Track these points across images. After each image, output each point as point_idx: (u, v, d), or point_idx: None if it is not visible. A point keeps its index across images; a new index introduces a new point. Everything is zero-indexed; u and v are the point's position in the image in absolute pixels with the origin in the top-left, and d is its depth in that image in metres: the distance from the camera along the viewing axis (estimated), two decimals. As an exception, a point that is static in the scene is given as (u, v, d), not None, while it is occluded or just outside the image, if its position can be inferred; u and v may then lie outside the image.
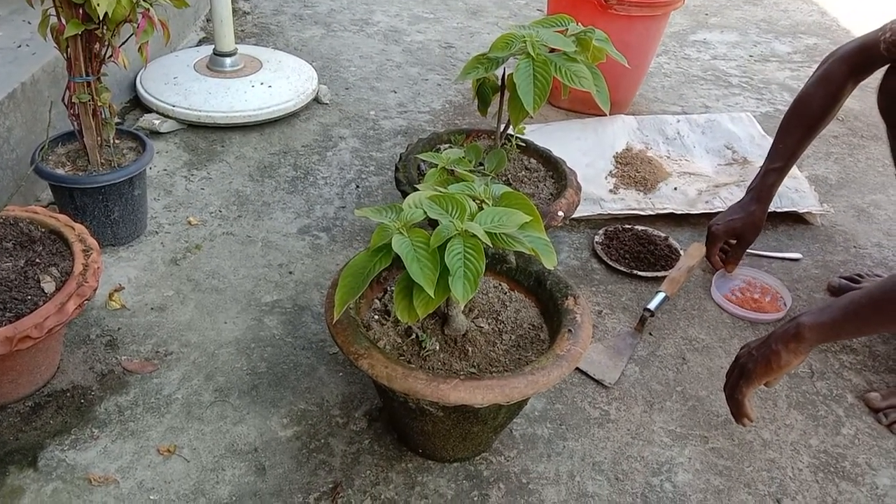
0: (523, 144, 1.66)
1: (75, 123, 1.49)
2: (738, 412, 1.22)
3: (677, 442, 1.29)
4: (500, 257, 1.25)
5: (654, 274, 1.65)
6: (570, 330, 1.11)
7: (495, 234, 0.97)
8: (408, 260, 0.94)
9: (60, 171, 1.49)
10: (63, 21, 1.35)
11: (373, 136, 2.14)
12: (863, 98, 2.49)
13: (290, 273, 1.59)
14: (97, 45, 1.42)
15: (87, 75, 1.42)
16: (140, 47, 1.41)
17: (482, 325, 1.16)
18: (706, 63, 2.82)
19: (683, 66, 2.78)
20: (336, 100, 2.31)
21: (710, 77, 2.71)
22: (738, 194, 1.74)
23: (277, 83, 2.14)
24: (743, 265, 1.70)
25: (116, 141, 1.58)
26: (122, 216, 1.56)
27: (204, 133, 2.05)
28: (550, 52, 1.30)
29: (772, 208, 1.66)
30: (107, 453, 1.18)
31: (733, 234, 1.63)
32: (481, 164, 1.46)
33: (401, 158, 1.61)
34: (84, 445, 1.19)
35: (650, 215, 1.84)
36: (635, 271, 1.65)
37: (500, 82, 1.46)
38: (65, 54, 1.41)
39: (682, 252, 1.71)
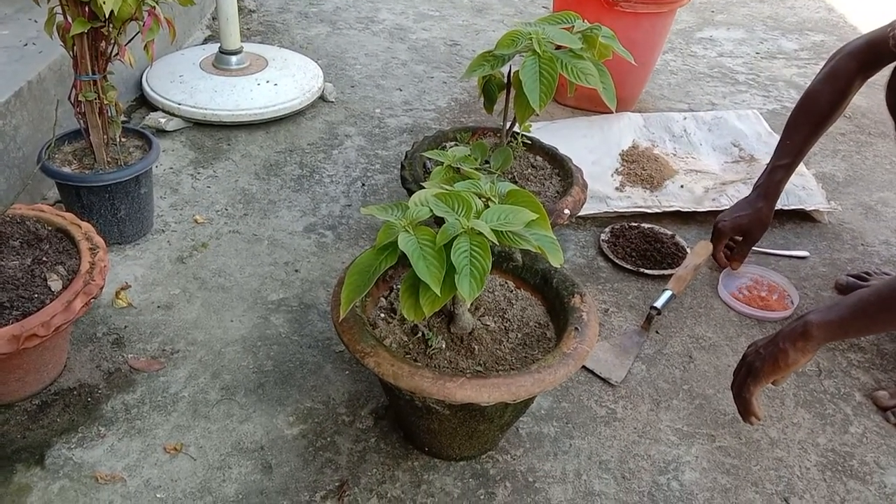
0: (529, 142, 1.65)
1: (81, 122, 1.49)
2: (746, 411, 1.21)
3: (684, 440, 1.28)
4: (506, 255, 1.25)
5: (661, 272, 1.64)
6: (576, 328, 1.10)
7: (501, 231, 0.97)
8: (414, 258, 0.93)
9: (67, 170, 1.50)
10: (69, 19, 1.35)
11: (378, 134, 2.14)
12: (870, 95, 2.48)
13: (296, 271, 1.59)
14: (103, 44, 1.42)
15: (94, 73, 1.42)
16: (146, 45, 1.41)
17: (488, 323, 1.16)
18: (712, 60, 2.81)
19: (690, 64, 2.77)
20: (342, 98, 2.31)
21: (716, 74, 2.70)
22: (744, 192, 1.73)
23: (283, 81, 2.14)
24: (750, 263, 1.69)
25: (122, 139, 1.58)
26: (129, 214, 1.57)
27: (210, 131, 2.05)
28: (556, 49, 1.30)
29: (779, 206, 1.66)
30: (113, 451, 1.18)
31: (740, 231, 1.62)
32: (487, 161, 1.45)
33: (406, 156, 1.60)
34: (91, 443, 1.19)
35: (657, 213, 1.83)
36: (642, 269, 1.65)
37: (505, 80, 1.46)
38: (71, 52, 1.41)
39: (688, 250, 1.70)
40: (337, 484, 1.16)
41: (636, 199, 1.86)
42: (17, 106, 1.59)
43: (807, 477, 1.24)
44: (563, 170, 1.62)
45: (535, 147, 1.67)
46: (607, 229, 1.77)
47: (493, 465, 1.21)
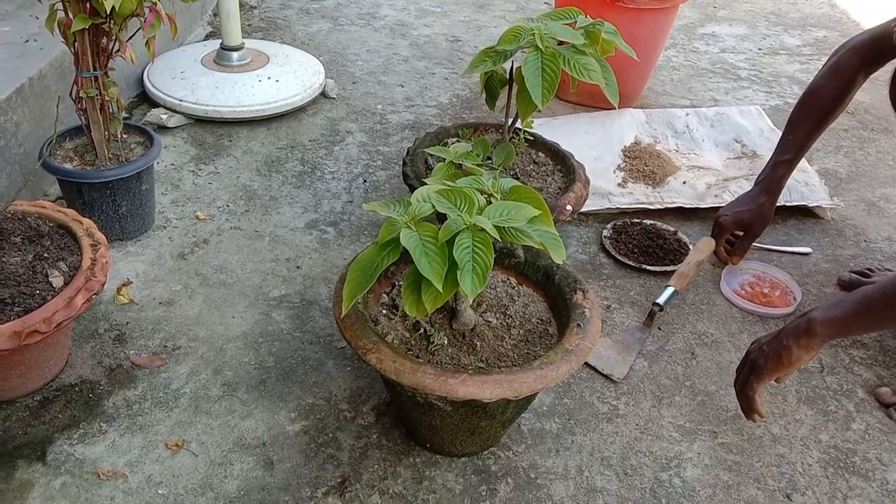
0: (531, 138, 1.65)
1: (83, 118, 1.49)
2: (749, 408, 1.21)
3: (686, 437, 1.28)
4: (508, 252, 1.25)
5: (663, 268, 1.64)
6: (578, 324, 1.10)
7: (504, 228, 0.97)
8: (416, 254, 0.93)
9: (68, 166, 1.50)
10: (70, 15, 1.35)
11: (380, 130, 2.13)
12: (873, 91, 2.47)
13: (298, 268, 1.59)
14: (104, 40, 1.41)
15: (95, 70, 1.42)
16: (147, 42, 1.41)
17: (490, 319, 1.16)
18: (715, 56, 2.81)
19: (692, 60, 2.76)
20: (343, 94, 2.30)
21: (718, 70, 2.69)
22: (747, 188, 1.73)
23: (284, 77, 2.14)
24: (752, 259, 1.69)
25: (124, 136, 1.58)
26: (130, 211, 1.56)
27: (211, 128, 2.05)
28: (559, 44, 1.30)
29: (781, 202, 1.65)
30: (115, 447, 1.18)
31: (741, 226, 1.62)
32: (489, 158, 1.45)
33: (408, 153, 1.60)
34: (92, 440, 1.19)
35: (659, 209, 1.83)
36: (644, 266, 1.64)
37: (508, 76, 1.45)
38: (72, 49, 1.41)
39: (690, 246, 1.70)
40: (339, 480, 1.16)
41: (638, 196, 1.86)
42: (18, 102, 1.59)
43: (809, 473, 1.24)
44: (565, 166, 1.62)
45: (538, 143, 1.67)
46: (609, 225, 1.76)
47: (494, 462, 1.21)
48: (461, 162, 1.28)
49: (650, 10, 2.11)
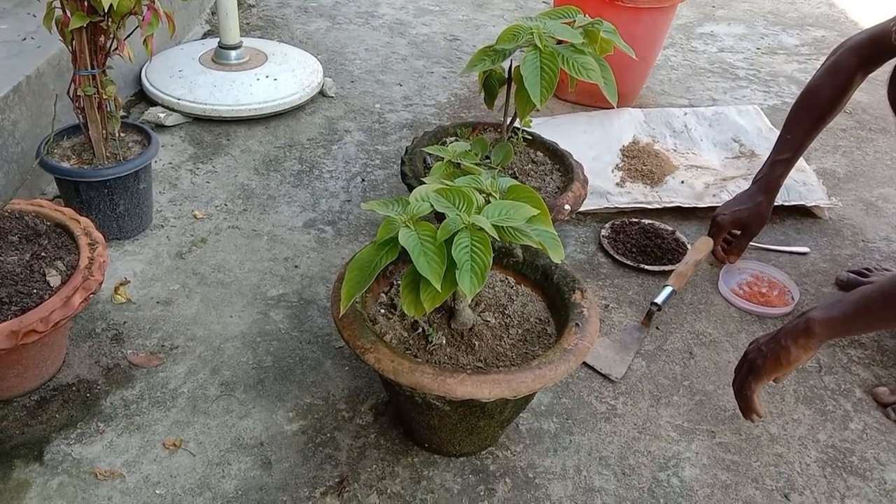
0: (530, 137, 1.65)
1: (80, 117, 1.48)
2: (747, 408, 1.21)
3: (684, 436, 1.28)
4: (506, 251, 1.25)
5: (661, 268, 1.64)
6: (577, 324, 1.10)
7: (502, 227, 0.97)
8: (414, 253, 0.93)
9: (66, 165, 1.49)
10: (68, 13, 1.34)
11: (378, 129, 2.13)
12: (871, 90, 2.48)
13: (296, 267, 1.59)
14: (102, 38, 1.41)
15: (93, 68, 1.42)
16: (145, 40, 1.40)
17: (489, 319, 1.16)
18: (713, 55, 2.81)
19: (690, 59, 2.76)
20: (341, 93, 2.30)
21: (717, 70, 2.69)
22: (745, 187, 1.73)
23: (283, 76, 2.14)
24: (750, 259, 1.69)
25: (122, 134, 1.58)
26: (128, 210, 1.56)
27: (209, 126, 2.05)
28: (557, 44, 1.29)
29: (779, 201, 1.65)
30: (112, 447, 1.18)
31: (738, 225, 1.62)
32: (487, 157, 1.45)
33: (406, 152, 1.60)
34: (90, 439, 1.19)
35: (657, 209, 1.83)
36: (642, 265, 1.64)
37: (506, 75, 1.45)
38: (70, 47, 1.40)
39: (689, 246, 1.70)
40: (337, 480, 1.16)
41: (636, 195, 1.86)
42: (15, 101, 1.59)
43: (807, 473, 1.24)
44: (563, 165, 1.62)
45: (536, 142, 1.67)
46: (608, 225, 1.76)
47: (493, 462, 1.21)
48: (459, 161, 1.28)
49: (649, 10, 2.11)
